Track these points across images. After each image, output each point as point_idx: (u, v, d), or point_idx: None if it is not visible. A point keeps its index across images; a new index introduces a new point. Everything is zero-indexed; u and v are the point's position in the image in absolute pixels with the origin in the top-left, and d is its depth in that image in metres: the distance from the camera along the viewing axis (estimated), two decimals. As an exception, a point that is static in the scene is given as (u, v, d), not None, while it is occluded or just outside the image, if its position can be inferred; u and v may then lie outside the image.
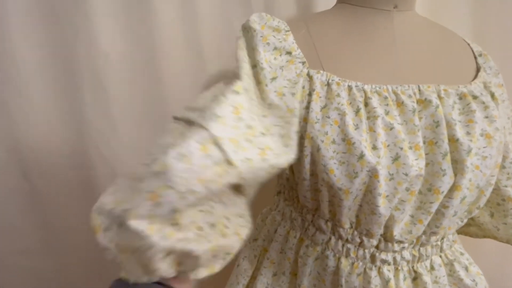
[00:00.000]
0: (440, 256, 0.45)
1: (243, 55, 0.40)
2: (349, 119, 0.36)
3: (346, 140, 0.35)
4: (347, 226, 0.41)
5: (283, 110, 0.38)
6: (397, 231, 0.39)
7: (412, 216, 0.39)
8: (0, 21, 0.60)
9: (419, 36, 0.45)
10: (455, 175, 0.36)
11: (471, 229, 0.57)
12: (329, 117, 0.37)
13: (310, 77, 0.40)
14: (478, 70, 0.47)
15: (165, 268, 0.29)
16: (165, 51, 0.68)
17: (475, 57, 0.48)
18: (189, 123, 0.32)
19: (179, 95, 0.69)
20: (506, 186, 0.48)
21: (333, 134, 0.36)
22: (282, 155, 0.35)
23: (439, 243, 0.44)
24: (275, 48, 0.41)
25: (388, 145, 0.36)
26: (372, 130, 0.36)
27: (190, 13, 0.68)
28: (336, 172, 0.36)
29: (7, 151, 0.68)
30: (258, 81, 0.39)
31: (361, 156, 0.34)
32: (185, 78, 0.69)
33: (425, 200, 0.37)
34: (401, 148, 0.35)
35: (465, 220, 0.45)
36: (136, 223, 0.27)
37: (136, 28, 0.66)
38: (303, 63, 0.41)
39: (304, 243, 0.46)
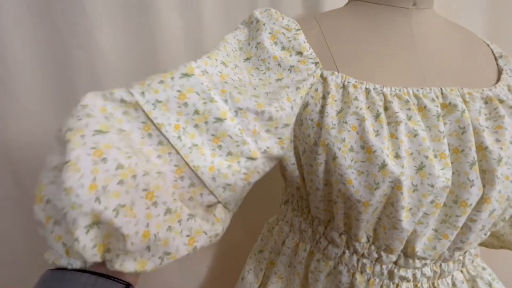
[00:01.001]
0: (462, 272, 0.42)
1: (232, 37, 0.38)
2: (369, 124, 0.33)
3: (366, 148, 0.32)
4: (363, 240, 0.38)
5: (283, 99, 0.35)
6: (419, 247, 0.35)
7: (435, 231, 0.35)
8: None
9: (438, 36, 0.42)
10: (484, 186, 0.33)
11: (487, 239, 0.54)
12: (346, 123, 0.34)
13: (324, 79, 0.37)
14: (499, 72, 0.44)
15: (88, 246, 0.24)
16: (165, 52, 0.65)
17: (496, 59, 0.46)
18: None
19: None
20: None
21: (351, 141, 0.33)
22: (252, 142, 0.32)
23: (461, 258, 0.41)
24: (283, 48, 0.38)
25: (411, 153, 0.33)
26: (394, 137, 0.33)
27: (192, 11, 0.65)
28: (354, 182, 0.33)
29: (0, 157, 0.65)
30: (259, 78, 0.36)
31: (383, 165, 0.31)
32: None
33: (450, 213, 0.34)
34: (426, 157, 0.32)
35: (489, 233, 0.42)
36: (68, 175, 0.23)
37: (136, 27, 0.63)
38: (316, 63, 0.38)
39: (315, 257, 0.43)
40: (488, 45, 0.47)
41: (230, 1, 0.67)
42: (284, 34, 0.38)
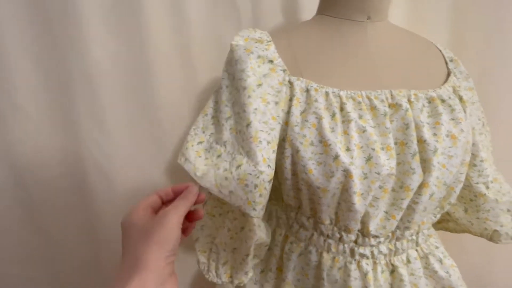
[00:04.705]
0: (416, 250, 0.48)
1: (224, 80, 0.45)
2: (326, 122, 0.39)
3: (323, 142, 0.38)
4: (327, 222, 0.44)
5: (268, 117, 0.41)
6: (372, 227, 0.41)
7: (386, 212, 0.41)
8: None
9: (392, 45, 0.48)
10: (424, 173, 0.39)
11: (449, 224, 0.60)
12: (307, 121, 0.40)
13: (291, 84, 0.43)
14: (448, 74, 0.50)
15: None
16: (156, 59, 0.70)
17: (446, 63, 0.52)
18: None
19: (170, 101, 0.72)
20: (477, 183, 0.51)
21: (311, 137, 0.39)
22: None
23: (414, 237, 0.47)
24: (259, 56, 0.43)
25: (361, 147, 0.39)
26: (346, 133, 0.39)
27: (181, 22, 0.71)
28: (314, 172, 0.39)
29: (3, 160, 0.70)
30: (243, 88, 0.42)
31: (336, 156, 0.37)
32: (176, 85, 0.72)
33: (397, 197, 0.40)
34: (373, 149, 0.38)
35: (438, 216, 0.48)
36: None
37: (128, 37, 0.68)
38: (284, 70, 0.44)
39: (289, 239, 0.49)
40: (440, 50, 0.53)
41: (215, 12, 0.73)
42: (256, 47, 0.44)
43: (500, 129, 0.73)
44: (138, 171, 0.72)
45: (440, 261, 0.48)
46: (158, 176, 0.73)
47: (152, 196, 0.39)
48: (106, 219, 0.73)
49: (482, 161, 0.50)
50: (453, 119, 0.42)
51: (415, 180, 0.39)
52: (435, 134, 0.40)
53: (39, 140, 0.70)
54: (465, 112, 0.46)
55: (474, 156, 0.50)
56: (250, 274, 0.46)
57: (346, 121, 0.39)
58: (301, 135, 0.39)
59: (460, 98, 0.47)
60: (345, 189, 0.39)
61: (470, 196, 0.53)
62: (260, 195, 0.40)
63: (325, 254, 0.46)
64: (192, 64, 0.72)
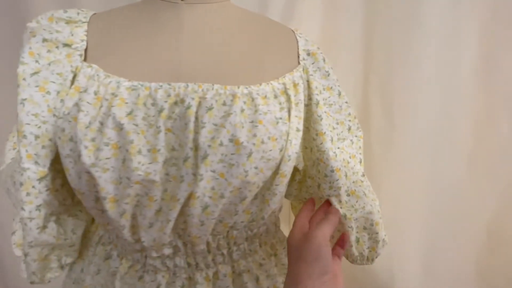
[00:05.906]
0: (233, 266, 0.43)
1: None
2: (84, 116, 0.34)
3: (76, 139, 0.34)
4: (110, 227, 0.39)
5: (42, 108, 0.36)
6: (144, 237, 0.37)
7: (161, 222, 0.36)
8: None
9: (218, 32, 0.42)
10: (194, 182, 0.34)
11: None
12: (69, 114, 0.35)
13: (78, 71, 0.38)
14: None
15: None
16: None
17: (299, 56, 0.45)
18: None
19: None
20: (329, 196, 0.45)
21: (71, 132, 0.34)
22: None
23: (225, 252, 0.41)
24: (44, 40, 0.38)
25: (119, 147, 0.33)
26: (101, 129, 0.34)
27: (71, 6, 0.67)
28: (71, 171, 0.34)
29: None
30: (17, 75, 0.37)
31: (79, 156, 0.33)
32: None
33: (165, 206, 0.35)
34: (127, 150, 0.33)
35: (255, 230, 0.42)
36: None
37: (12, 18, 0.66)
38: (81, 55, 0.39)
39: (101, 241, 0.45)
40: (297, 41, 0.46)
41: None
42: (45, 30, 0.39)
43: (403, 129, 0.67)
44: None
45: (256, 279, 0.43)
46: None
47: (306, 210, 0.45)
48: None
49: (333, 171, 0.43)
50: (252, 122, 0.36)
51: (182, 189, 0.34)
52: (212, 138, 0.34)
53: None
54: (289, 114, 0.40)
55: (325, 165, 0.44)
56: (46, 275, 0.43)
57: (106, 115, 0.34)
58: (60, 129, 0.35)
59: (288, 98, 0.40)
60: (97, 193, 0.34)
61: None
62: (28, 194, 0.36)
63: (124, 261, 0.41)
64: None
